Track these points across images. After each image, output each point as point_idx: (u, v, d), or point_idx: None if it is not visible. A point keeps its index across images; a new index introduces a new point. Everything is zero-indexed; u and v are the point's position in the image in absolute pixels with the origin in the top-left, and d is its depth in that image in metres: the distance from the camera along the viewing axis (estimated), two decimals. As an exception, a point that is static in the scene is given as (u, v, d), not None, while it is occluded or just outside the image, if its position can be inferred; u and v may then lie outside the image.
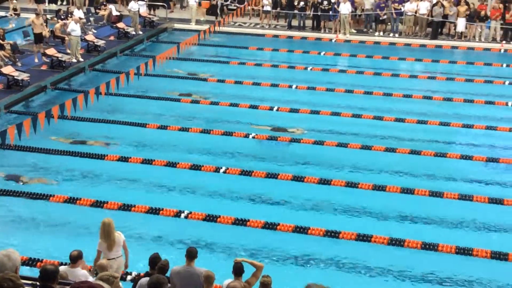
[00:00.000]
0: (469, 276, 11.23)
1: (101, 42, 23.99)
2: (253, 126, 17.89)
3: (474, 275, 11.25)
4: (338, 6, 27.10)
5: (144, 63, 21.69)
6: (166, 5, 29.88)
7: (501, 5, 26.37)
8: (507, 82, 21.80)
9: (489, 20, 26.35)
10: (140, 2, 27.04)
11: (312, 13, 28.27)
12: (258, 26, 29.09)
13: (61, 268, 8.64)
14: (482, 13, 26.29)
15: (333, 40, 27.15)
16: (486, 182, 14.84)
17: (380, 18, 27.48)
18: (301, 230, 12.49)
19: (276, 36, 27.77)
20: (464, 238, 12.44)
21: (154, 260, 8.89)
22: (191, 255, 9.04)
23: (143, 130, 17.60)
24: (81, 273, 8.90)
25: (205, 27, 27.60)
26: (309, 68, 23.36)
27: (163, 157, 15.71)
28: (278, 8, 29.28)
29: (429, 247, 11.98)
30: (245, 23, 29.59)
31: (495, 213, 13.39)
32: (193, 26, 28.58)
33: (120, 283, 7.81)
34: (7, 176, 14.83)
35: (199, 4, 29.59)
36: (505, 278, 11.17)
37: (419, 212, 13.37)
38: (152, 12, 29.71)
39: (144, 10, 27.78)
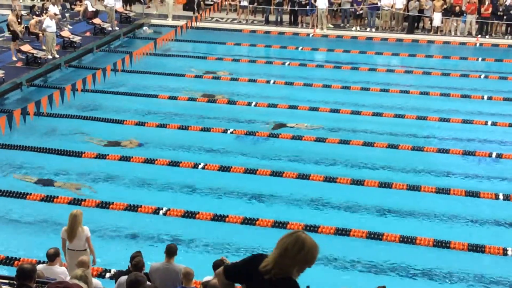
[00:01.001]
0: (447, 268, 11.34)
1: (77, 38, 23.75)
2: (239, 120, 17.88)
3: (452, 268, 11.36)
4: (315, 1, 27.14)
5: (121, 59, 21.52)
6: (142, 1, 29.68)
7: (476, 0, 26.60)
8: (482, 76, 22.00)
9: (464, 14, 26.57)
10: (116, -2, 26.80)
11: (289, 8, 28.28)
12: (235, 21, 29.03)
13: (39, 266, 8.56)
14: (457, 8, 26.49)
15: (310, 35, 27.18)
16: (462, 175, 14.98)
17: (357, 13, 27.58)
18: (280, 225, 12.49)
19: (253, 31, 27.73)
20: (442, 231, 12.55)
21: (134, 258, 8.84)
22: (170, 251, 9.02)
23: (121, 127, 17.47)
24: (60, 271, 8.84)
25: (182, 22, 27.46)
26: (286, 63, 23.37)
27: (141, 154, 15.62)
28: (255, 3, 29.25)
29: (407, 240, 12.06)
30: (222, 18, 29.50)
31: (471, 206, 13.52)
32: (170, 21, 28.43)
33: (92, 279, 7.83)
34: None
35: None
36: (482, 269, 11.29)
37: (397, 205, 13.46)
38: (128, 7, 29.47)
39: (120, 6, 27.55)
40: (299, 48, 25.33)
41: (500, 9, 26.21)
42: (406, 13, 26.98)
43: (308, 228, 12.36)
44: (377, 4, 27.18)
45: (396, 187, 14.19)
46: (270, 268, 4.18)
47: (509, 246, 11.86)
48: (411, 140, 16.77)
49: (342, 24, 28.29)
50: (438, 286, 10.94)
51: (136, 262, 8.56)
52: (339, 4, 28.03)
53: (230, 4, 30.20)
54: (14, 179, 14.40)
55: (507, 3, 26.29)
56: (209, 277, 8.99)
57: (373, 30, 27.48)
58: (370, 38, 26.82)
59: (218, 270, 4.57)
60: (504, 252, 11.73)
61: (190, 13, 29.39)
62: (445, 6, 26.58)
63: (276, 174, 14.68)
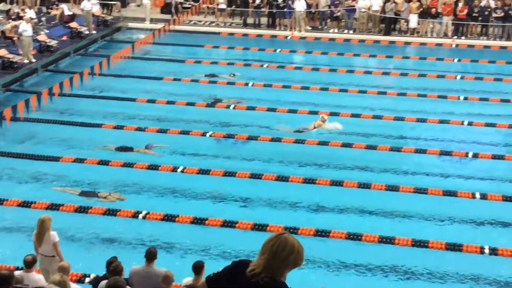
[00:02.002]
0: (426, 267, 11.42)
1: (53, 42, 23.58)
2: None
3: (430, 266, 11.45)
4: (293, 3, 27.24)
5: (98, 62, 21.40)
6: (120, 4, 29.56)
7: (452, 1, 26.87)
8: (458, 77, 22.22)
9: (440, 16, 26.83)
10: (93, 1, 26.66)
11: (267, 10, 28.35)
12: (213, 24, 29.03)
13: (16, 272, 8.49)
14: (433, 10, 26.75)
15: (288, 37, 27.27)
16: (440, 175, 15.12)
17: (334, 15, 27.73)
18: (260, 227, 12.51)
19: (231, 34, 27.75)
20: (420, 230, 12.64)
21: (111, 264, 8.80)
22: (150, 255, 9.02)
23: (99, 131, 17.38)
24: (37, 277, 8.78)
25: (159, 25, 27.41)
26: (265, 65, 23.42)
27: (120, 158, 15.56)
28: (233, 6, 29.29)
29: (386, 240, 12.14)
30: (200, 21, 29.50)
31: (449, 205, 13.64)
32: (147, 25, 28.35)
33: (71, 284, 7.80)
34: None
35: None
36: (460, 268, 11.40)
37: (376, 206, 13.54)
38: (105, 11, 29.34)
39: (97, 9, 27.41)
40: (277, 51, 25.39)
41: (475, 10, 26.50)
42: (382, 15, 27.19)
43: (288, 230, 12.38)
44: (354, 6, 27.36)
45: (375, 187, 14.27)
46: (259, 272, 4.15)
47: (486, 244, 11.98)
48: (389, 140, 16.87)
49: (320, 26, 28.44)
50: (416, 285, 11.02)
51: (115, 266, 8.52)
52: (317, 6, 28.17)
53: (208, 7, 30.20)
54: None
55: (482, 4, 26.60)
56: (189, 279, 9.00)
57: (351, 32, 27.65)
58: (347, 40, 26.98)
59: (200, 283, 4.54)
60: (482, 251, 11.86)
61: (168, 16, 29.34)
62: (422, 9, 26.80)
63: (256, 176, 14.68)
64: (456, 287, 10.72)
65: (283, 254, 4.16)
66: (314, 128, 17.51)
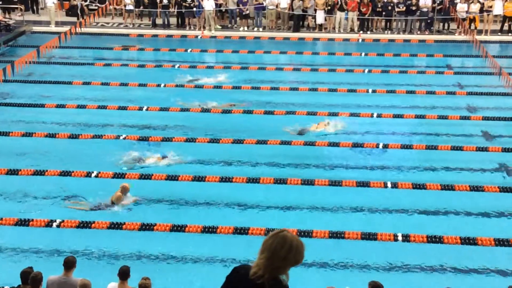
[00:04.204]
0: (343, 258, 11.68)
1: (-47, 49, 22.53)
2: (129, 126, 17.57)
3: (347, 257, 11.72)
4: (202, 1, 27.17)
5: (1, 69, 20.62)
6: (23, 8, 28.56)
7: (356, -3, 27.61)
8: (366, 70, 22.85)
9: (346, 11, 27.49)
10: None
11: (176, 10, 28.17)
12: (121, 25, 28.55)
13: None
14: (339, 6, 27.35)
15: (199, 37, 27.20)
16: (353, 167, 15.50)
17: (244, 13, 27.89)
18: (178, 228, 12.44)
19: (141, 35, 27.39)
20: (336, 222, 12.93)
21: (25, 275, 8.53)
22: (68, 265, 8.88)
23: (6, 139, 16.76)
24: None
25: (65, 28, 26.69)
26: (176, 66, 23.26)
27: (30, 166, 15.06)
28: (141, 7, 28.91)
29: (304, 234, 12.32)
30: (108, 23, 28.95)
31: (362, 196, 14.01)
32: (53, 28, 27.55)
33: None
34: None
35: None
36: (375, 257, 11.73)
37: (292, 201, 13.73)
38: (7, 15, 28.27)
39: (-2, 13, 26.42)
40: (188, 50, 25.28)
41: (379, 6, 27.33)
42: (291, 12, 27.57)
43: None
44: (262, 4, 27.62)
45: (291, 182, 14.45)
46: (262, 274, 4.08)
47: (399, 232, 12.39)
48: (302, 135, 17.11)
49: (229, 25, 28.53)
50: (333, 275, 11.25)
51: (35, 275, 8.32)
52: (226, 5, 28.24)
53: (115, 9, 29.68)
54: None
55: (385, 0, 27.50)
56: (113, 284, 8.88)
57: (261, 29, 27.90)
58: (258, 38, 27.20)
59: None
60: (395, 238, 12.25)
61: (74, 19, 28.61)
62: (328, 4, 27.33)
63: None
64: (372, 274, 11.00)
65: (282, 252, 4.10)
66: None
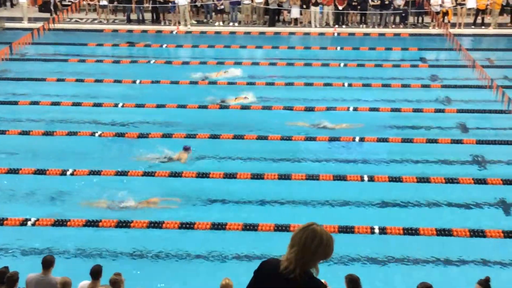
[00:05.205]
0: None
1: None
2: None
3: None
4: (176, -3, 27.08)
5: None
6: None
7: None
8: (342, 64, 22.90)
9: (321, 6, 27.53)
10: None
11: (150, 5, 27.97)
12: (95, 21, 28.30)
13: None
14: (314, 0, 27.39)
15: (174, 32, 27.06)
16: (330, 161, 15.55)
17: (219, 8, 27.79)
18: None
19: (115, 30, 27.15)
20: (313, 215, 12.94)
21: (1, 274, 8.45)
22: (46, 264, 8.87)
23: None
24: None
25: (39, 24, 26.38)
26: (152, 61, 23.11)
27: (3, 164, 14.87)
28: (115, 2, 28.66)
29: (281, 228, 12.33)
30: (81, 19, 28.65)
31: (339, 189, 14.06)
32: (25, 24, 27.19)
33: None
34: None
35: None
36: (350, 250, 11.76)
37: (271, 195, 13.74)
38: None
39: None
40: (164, 46, 25.14)
41: (354, 0, 27.40)
42: (266, 6, 27.54)
43: (183, 225, 12.36)
44: (237, -2, 27.58)
45: (268, 177, 14.44)
46: (293, 268, 4.05)
47: (376, 224, 12.45)
48: (279, 130, 17.09)
49: (205, 20, 28.42)
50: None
51: (11, 275, 8.29)
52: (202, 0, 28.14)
53: (89, 4, 29.40)
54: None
55: (360, -7, 27.57)
56: (85, 282, 8.82)
57: (236, 24, 27.83)
58: (233, 33, 27.12)
59: None
60: (372, 231, 12.32)
61: (47, 15, 28.28)
62: (304, 2, 27.34)
63: (148, 174, 14.51)
64: (349, 267, 11.05)
65: (312, 245, 4.08)
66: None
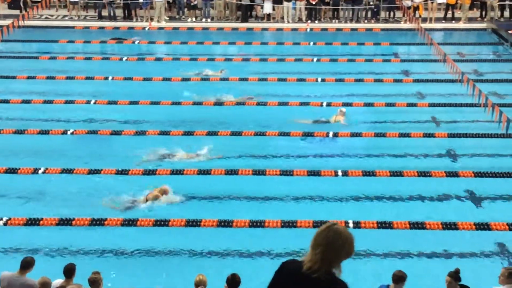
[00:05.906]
0: (294, 247, 11.71)
1: None
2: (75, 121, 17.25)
3: (300, 246, 11.78)
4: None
5: None
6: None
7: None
8: (315, 59, 22.97)
9: (294, 1, 27.57)
10: None
11: (122, 2, 27.75)
12: (66, 18, 27.99)
13: None
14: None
15: (146, 28, 26.88)
16: (304, 156, 15.59)
17: (191, 4, 27.67)
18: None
19: (87, 27, 26.90)
20: (289, 211, 12.99)
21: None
22: (23, 265, 8.84)
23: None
24: None
25: (8, 21, 26.01)
26: (124, 58, 22.94)
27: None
28: (86, -2, 28.40)
29: (256, 224, 12.34)
30: (52, 15, 28.32)
31: (314, 185, 14.11)
32: (-6, 21, 26.83)
33: None
34: None
35: None
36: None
37: (245, 191, 13.74)
38: None
39: None
40: (136, 42, 24.97)
41: (327, -5, 27.53)
42: (239, 2, 27.50)
43: (158, 223, 12.32)
44: (210, -6, 27.49)
45: (242, 173, 14.45)
46: (317, 268, 4.07)
47: (350, 219, 12.52)
48: (251, 126, 17.06)
49: (177, 16, 28.28)
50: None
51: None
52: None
53: (59, 0, 29.06)
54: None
55: (332, -11, 27.67)
56: (59, 280, 8.76)
57: (209, 20, 27.74)
58: (206, 29, 27.04)
59: None
60: (346, 225, 12.38)
61: (16, 12, 27.90)
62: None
63: (122, 172, 14.40)
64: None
65: (337, 244, 4.12)
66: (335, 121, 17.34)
